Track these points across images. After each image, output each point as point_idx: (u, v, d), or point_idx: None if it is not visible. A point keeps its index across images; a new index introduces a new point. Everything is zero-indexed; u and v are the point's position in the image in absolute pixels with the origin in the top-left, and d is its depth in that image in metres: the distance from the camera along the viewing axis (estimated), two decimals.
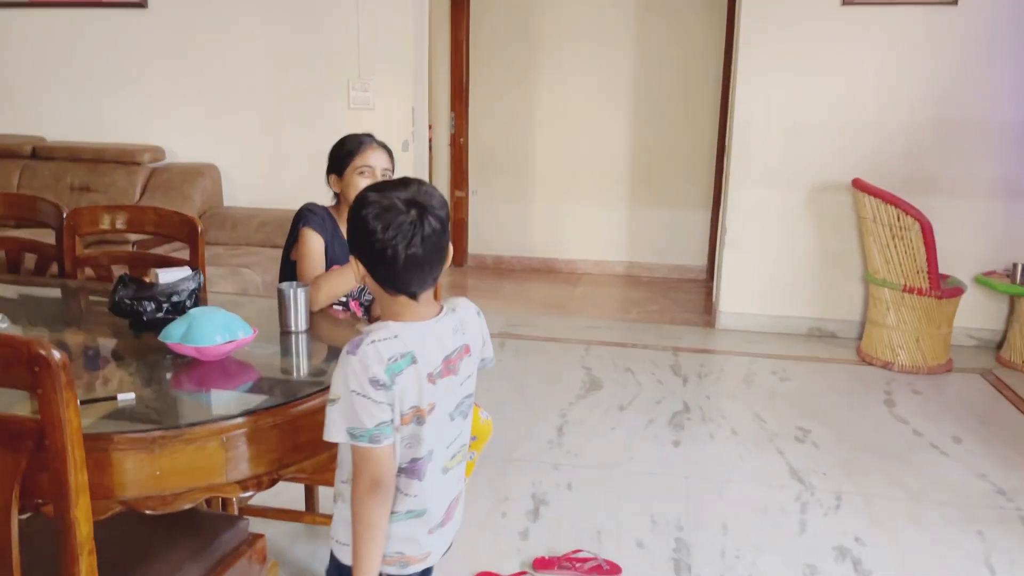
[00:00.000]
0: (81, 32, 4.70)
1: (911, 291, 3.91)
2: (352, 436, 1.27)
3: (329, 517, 2.32)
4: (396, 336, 1.30)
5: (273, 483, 1.45)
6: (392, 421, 1.28)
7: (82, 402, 1.38)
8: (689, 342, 4.42)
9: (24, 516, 1.27)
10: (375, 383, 1.26)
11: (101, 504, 1.29)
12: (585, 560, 2.32)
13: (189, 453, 1.34)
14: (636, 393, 3.65)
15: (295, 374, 1.75)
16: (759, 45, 4.28)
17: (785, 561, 2.39)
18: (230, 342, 1.63)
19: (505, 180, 6.00)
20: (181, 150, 4.72)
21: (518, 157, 5.99)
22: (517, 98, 5.89)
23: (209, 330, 1.61)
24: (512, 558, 2.37)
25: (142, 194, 4.49)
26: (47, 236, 2.48)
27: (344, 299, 2.25)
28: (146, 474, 1.32)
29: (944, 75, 4.14)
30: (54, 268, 2.44)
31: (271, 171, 4.65)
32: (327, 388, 1.52)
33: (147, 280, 1.89)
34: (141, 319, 1.79)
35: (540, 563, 2.33)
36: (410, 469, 1.35)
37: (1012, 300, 4.18)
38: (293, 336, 1.86)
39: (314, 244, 2.18)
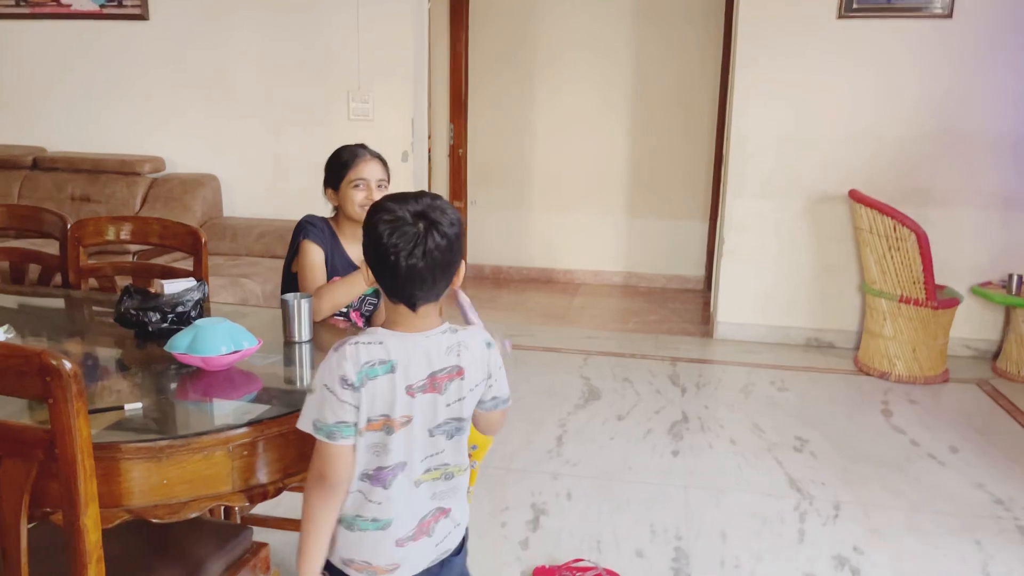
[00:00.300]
0: (82, 43, 4.73)
1: (908, 302, 3.93)
2: (315, 428, 1.32)
3: None
4: (381, 343, 1.33)
5: (279, 492, 1.46)
6: (355, 424, 1.32)
7: (90, 412, 1.40)
8: (687, 352, 4.44)
9: (32, 524, 1.28)
10: (344, 382, 1.30)
11: (109, 512, 1.31)
12: (585, 570, 2.33)
13: (196, 462, 1.36)
14: (635, 403, 3.67)
15: (299, 384, 1.77)
16: (756, 57, 4.32)
17: (784, 570, 2.40)
18: (235, 352, 1.65)
19: (503, 191, 6.03)
20: (181, 161, 4.74)
21: (516, 168, 6.02)
22: (515, 109, 5.93)
23: (214, 340, 1.63)
24: (512, 567, 2.38)
25: (142, 204, 4.52)
26: (49, 246, 2.50)
27: (345, 309, 2.28)
28: (153, 483, 1.33)
29: (940, 87, 4.18)
30: (57, 278, 2.45)
31: (271, 182, 4.68)
32: None
33: (152, 291, 1.91)
34: (146, 329, 1.81)
35: (540, 572, 2.34)
36: (375, 476, 1.36)
37: (1008, 311, 4.21)
38: (297, 346, 1.88)
39: (315, 256, 2.20)
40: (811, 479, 2.98)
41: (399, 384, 1.32)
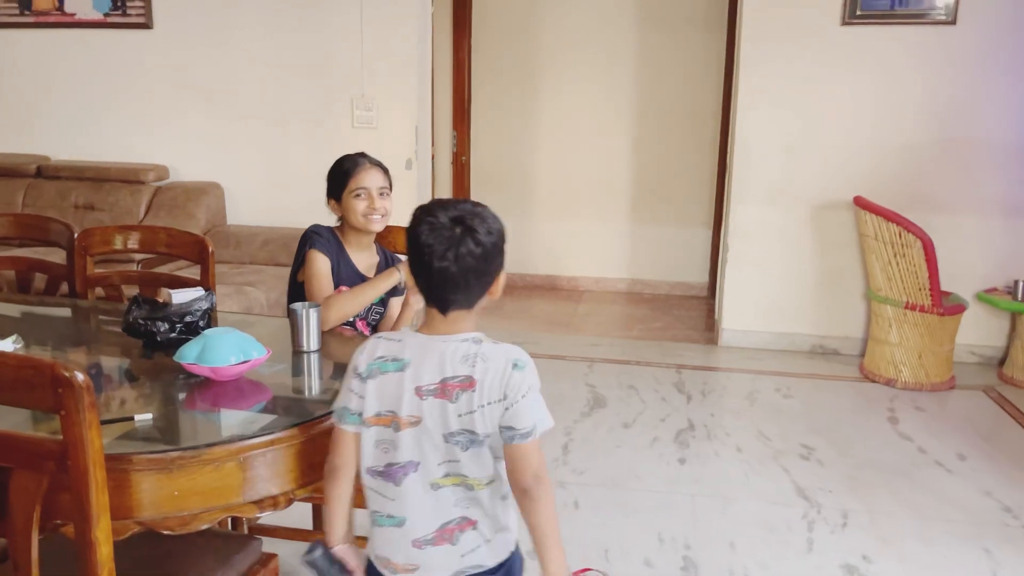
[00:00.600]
0: (86, 52, 4.74)
1: (913, 308, 3.93)
2: (334, 408, 1.42)
3: None
4: (400, 340, 1.39)
5: (289, 503, 1.46)
6: (359, 413, 1.38)
7: (100, 423, 1.40)
8: (692, 359, 4.43)
9: (42, 535, 1.27)
10: (355, 371, 1.39)
11: (119, 524, 1.30)
12: None
13: (207, 473, 1.35)
14: (640, 411, 3.66)
15: (308, 393, 1.76)
16: (759, 63, 4.32)
17: None
18: (244, 362, 1.65)
19: (507, 197, 6.02)
20: (185, 169, 4.74)
21: (520, 175, 6.02)
22: (519, 116, 5.93)
23: (223, 351, 1.62)
24: None
25: (146, 213, 4.52)
26: (54, 255, 2.50)
27: (351, 318, 2.27)
28: (164, 494, 1.33)
29: (944, 93, 4.18)
30: (64, 287, 2.45)
31: (275, 189, 4.68)
32: None
33: (159, 300, 1.91)
34: (155, 339, 1.81)
35: None
36: (386, 473, 1.38)
37: (1013, 317, 4.20)
38: (305, 356, 1.87)
39: (321, 265, 2.20)
40: (818, 487, 2.97)
41: (408, 383, 1.35)
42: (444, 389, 1.35)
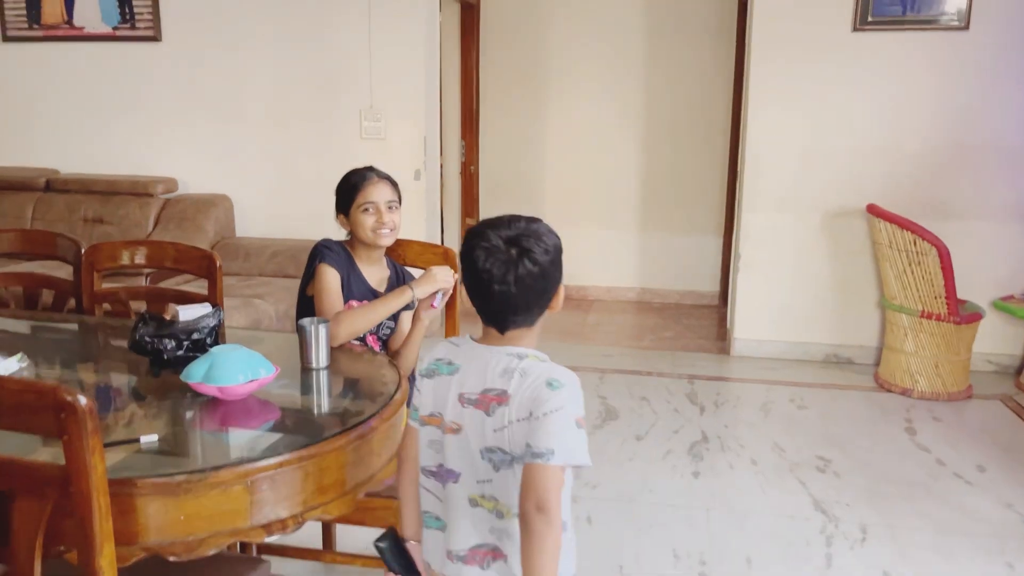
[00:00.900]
0: (95, 65, 4.74)
1: (929, 317, 3.87)
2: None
3: (347, 555, 2.30)
4: (458, 345, 1.41)
5: (298, 526, 1.43)
6: (418, 409, 1.41)
7: (105, 445, 1.37)
8: (704, 369, 4.38)
9: (45, 561, 1.24)
10: (420, 370, 1.44)
11: (125, 551, 1.27)
12: None
13: (213, 497, 1.32)
14: (653, 422, 3.61)
15: (318, 412, 1.73)
16: (770, 70, 4.28)
17: None
18: (252, 381, 1.62)
19: (516, 207, 5.90)
20: (194, 181, 4.74)
21: (529, 184, 6.00)
22: (527, 125, 5.91)
23: (231, 369, 1.60)
24: None
25: (155, 225, 4.51)
26: (62, 270, 2.48)
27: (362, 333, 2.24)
28: (170, 519, 1.30)
29: (957, 99, 4.13)
30: (72, 303, 2.43)
31: (283, 201, 4.66)
32: (351, 428, 1.51)
33: (166, 316, 1.88)
34: (162, 357, 1.78)
35: None
36: (439, 473, 1.39)
37: None
38: (314, 373, 1.84)
39: (331, 280, 2.17)
40: (836, 500, 2.92)
41: (454, 388, 1.36)
42: (482, 400, 1.33)
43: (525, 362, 1.33)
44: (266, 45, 4.54)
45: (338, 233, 2.36)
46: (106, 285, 2.39)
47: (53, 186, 4.69)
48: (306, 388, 1.82)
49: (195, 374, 1.61)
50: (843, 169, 4.29)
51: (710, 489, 3.00)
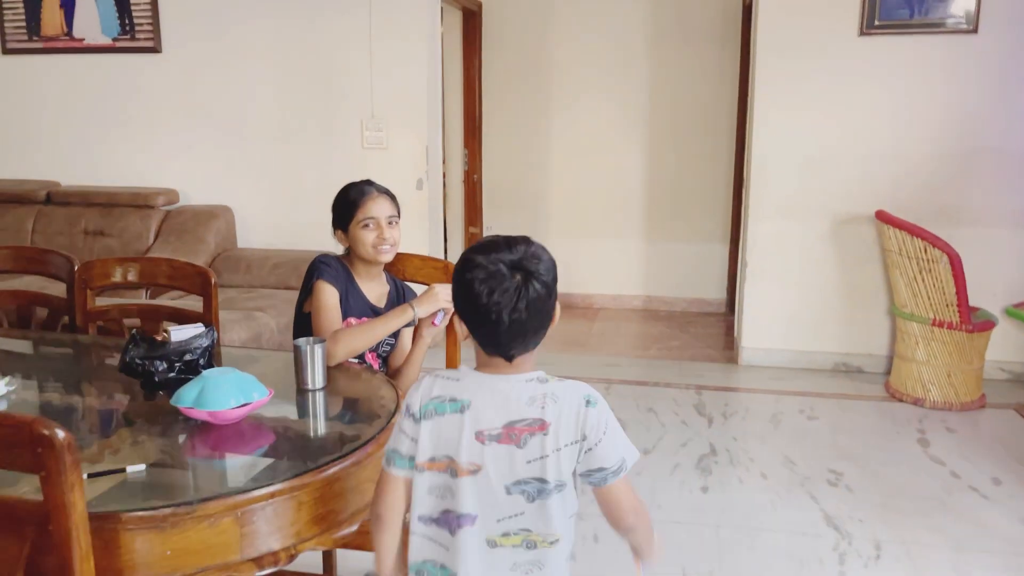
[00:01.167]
0: (95, 77, 4.71)
1: (941, 325, 3.80)
2: (384, 458, 1.34)
3: None
4: (459, 380, 1.30)
5: (291, 559, 1.37)
6: (410, 457, 1.28)
7: (90, 475, 1.32)
8: (712, 379, 4.32)
9: None
10: (407, 411, 1.30)
11: None
12: None
13: (201, 531, 1.27)
14: (660, 435, 3.55)
15: (313, 436, 1.67)
16: (775, 76, 4.23)
17: None
18: (245, 405, 1.56)
19: (519, 215, 5.95)
20: (195, 192, 4.70)
21: (532, 192, 5.94)
22: (531, 133, 5.86)
23: (223, 393, 1.54)
24: None
25: (156, 238, 4.47)
26: (56, 287, 2.44)
27: None
28: (157, 554, 1.24)
29: (966, 103, 4.07)
30: (65, 320, 2.38)
31: (285, 212, 4.62)
32: (348, 454, 1.46)
33: (159, 338, 1.83)
34: (153, 379, 1.73)
35: None
36: (441, 519, 1.30)
37: None
38: (310, 394, 1.79)
39: (329, 297, 2.11)
40: (848, 515, 2.85)
41: (468, 426, 1.26)
42: (510, 434, 1.26)
43: (549, 386, 1.30)
44: (266, 54, 4.50)
45: (338, 247, 2.30)
46: (104, 301, 2.34)
47: (54, 199, 4.66)
48: (302, 410, 1.77)
49: (186, 398, 1.56)
50: (851, 175, 4.22)
51: (719, 505, 2.94)
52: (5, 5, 4.73)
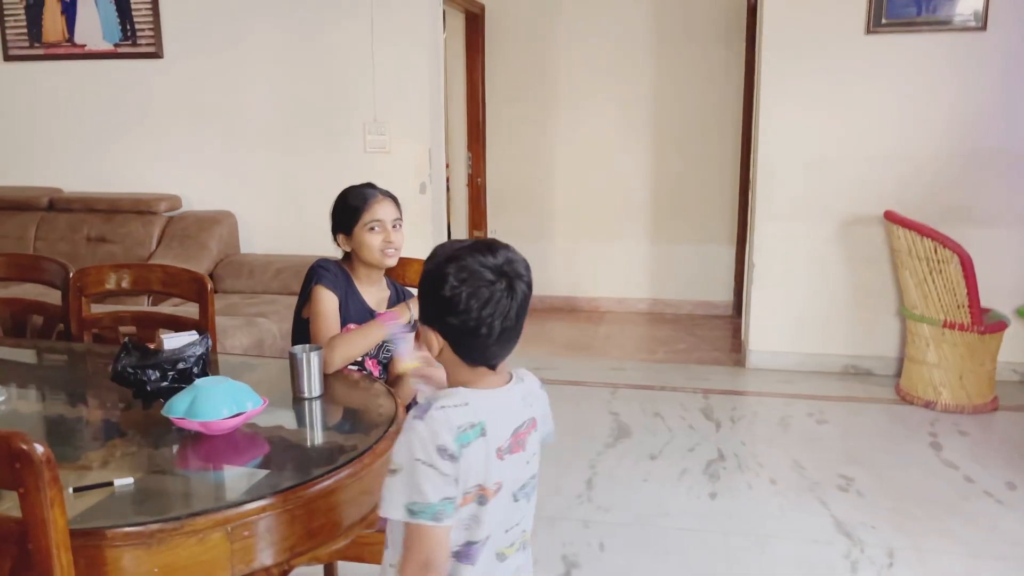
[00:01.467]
0: (97, 83, 4.69)
1: (952, 327, 3.74)
2: (411, 513, 1.15)
3: None
4: (467, 404, 1.20)
5: (284, 575, 1.32)
6: (454, 499, 1.17)
7: (76, 489, 1.28)
8: (719, 383, 4.26)
9: None
10: (443, 452, 1.15)
11: None
12: None
13: (190, 547, 1.22)
14: (667, 440, 3.50)
15: (309, 446, 1.63)
16: (781, 75, 4.17)
17: None
18: (238, 415, 1.52)
19: (524, 218, 5.91)
20: (198, 198, 4.67)
21: (537, 195, 5.90)
22: (535, 136, 5.82)
23: (215, 403, 1.50)
24: None
25: (158, 244, 4.44)
26: (53, 295, 2.40)
27: (360, 358, 2.14)
28: (144, 572, 1.20)
29: (975, 101, 4.01)
30: (61, 328, 2.35)
31: (288, 217, 4.58)
32: (343, 465, 1.41)
33: (152, 346, 1.79)
34: (145, 389, 1.69)
35: None
36: (463, 553, 1.23)
37: None
38: (307, 403, 1.75)
39: (327, 303, 2.07)
40: (860, 522, 2.79)
41: (491, 447, 1.20)
42: (517, 441, 1.25)
43: (527, 383, 1.31)
44: (268, 58, 4.47)
45: (338, 253, 2.26)
46: (103, 309, 2.31)
47: (56, 205, 4.63)
48: (298, 420, 1.72)
49: (177, 408, 1.52)
50: (858, 175, 4.17)
51: (728, 511, 2.88)
52: (6, 12, 4.71)
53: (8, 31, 4.73)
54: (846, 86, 4.11)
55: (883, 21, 4.02)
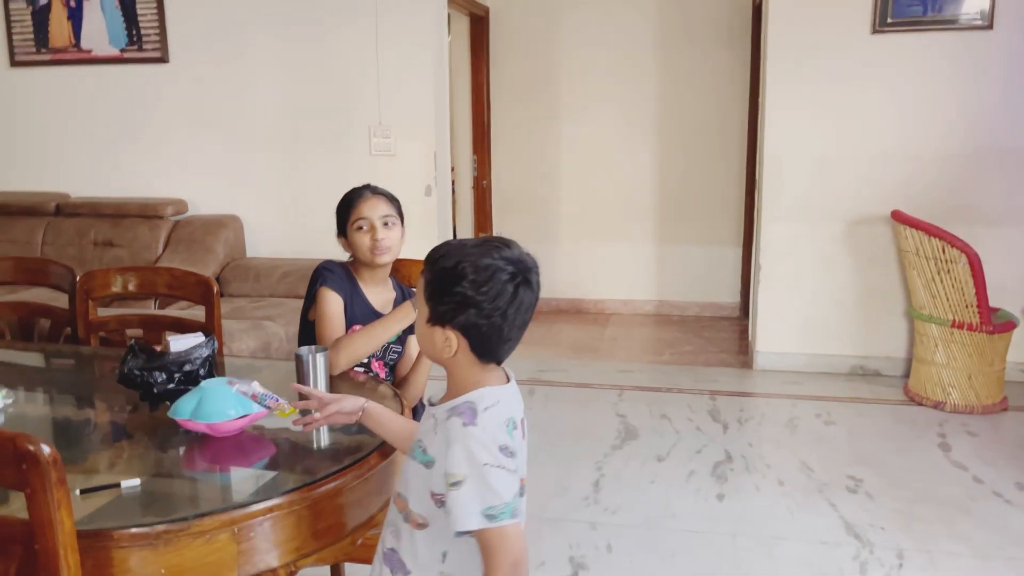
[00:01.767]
0: (103, 88, 4.71)
1: (960, 327, 3.72)
2: (490, 518, 1.13)
3: None
4: (499, 401, 1.22)
5: None
6: (518, 492, 1.19)
7: (83, 491, 1.28)
8: (726, 385, 4.25)
9: None
10: (505, 450, 1.17)
11: None
12: None
13: (197, 548, 1.22)
14: (674, 442, 3.49)
15: (314, 448, 1.63)
16: (787, 76, 4.16)
17: None
18: (244, 416, 1.52)
19: (530, 221, 5.90)
20: (204, 202, 4.68)
21: (542, 197, 5.90)
22: (540, 138, 5.81)
23: (221, 404, 1.50)
24: None
25: (165, 248, 4.45)
26: (60, 299, 2.41)
27: (366, 360, 2.14)
28: (150, 573, 1.20)
29: (982, 100, 3.99)
30: (68, 331, 2.36)
31: (293, 220, 4.59)
32: (349, 467, 1.41)
33: (159, 349, 1.79)
34: (152, 391, 1.69)
35: None
36: None
37: None
38: None
39: (332, 305, 2.07)
40: (869, 523, 2.77)
41: (524, 441, 1.25)
42: (524, 431, 1.28)
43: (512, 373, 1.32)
44: (273, 62, 4.49)
45: (345, 255, 2.26)
46: (109, 312, 2.31)
47: (63, 210, 4.66)
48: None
49: (183, 410, 1.52)
50: (865, 175, 4.15)
51: (736, 513, 2.87)
52: (13, 18, 4.73)
53: (15, 36, 4.76)
54: (852, 86, 4.10)
55: (889, 21, 4.00)
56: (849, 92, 4.11)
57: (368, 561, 1.77)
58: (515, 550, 1.15)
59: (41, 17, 4.70)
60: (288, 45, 4.45)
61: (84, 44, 4.71)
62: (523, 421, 1.27)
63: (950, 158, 4.06)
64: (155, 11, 4.55)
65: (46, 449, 1.02)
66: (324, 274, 2.13)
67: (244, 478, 1.46)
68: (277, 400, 1.53)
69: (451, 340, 1.21)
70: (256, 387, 1.52)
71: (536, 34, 5.70)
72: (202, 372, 1.73)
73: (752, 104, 5.18)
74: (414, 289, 2.34)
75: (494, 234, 5.90)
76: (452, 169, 5.47)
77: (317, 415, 1.46)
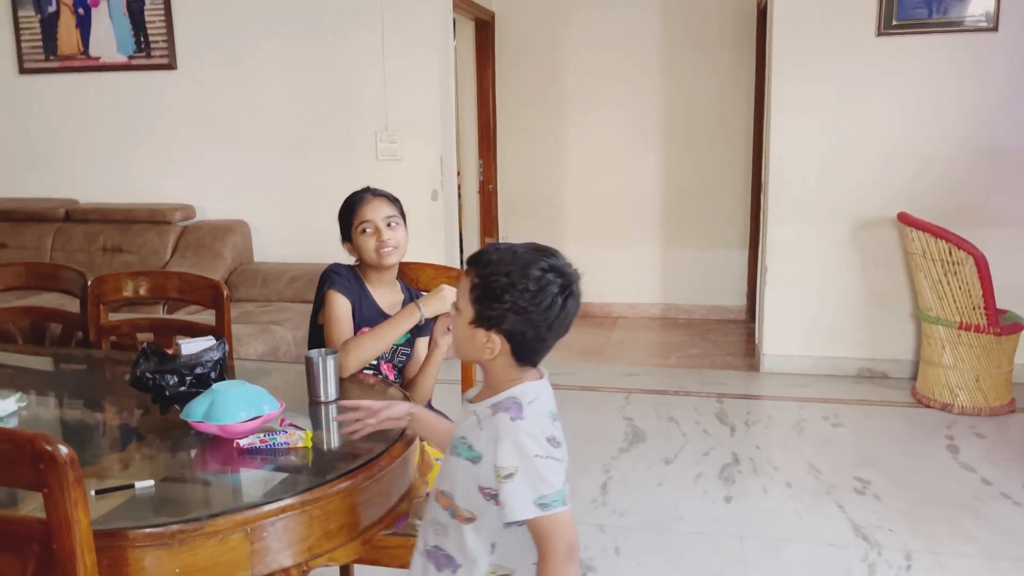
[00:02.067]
0: (111, 95, 4.74)
1: (968, 328, 3.72)
2: (543, 507, 1.18)
3: None
4: (538, 396, 1.27)
5: None
6: (566, 481, 1.24)
7: (98, 492, 1.30)
8: (733, 387, 4.25)
9: None
10: (552, 441, 1.23)
11: None
12: None
13: (211, 547, 1.23)
14: (682, 444, 3.49)
15: (325, 449, 1.64)
16: (792, 78, 4.17)
17: None
18: (255, 418, 1.54)
19: (535, 224, 5.91)
20: (212, 207, 4.71)
21: (548, 201, 5.91)
22: (545, 142, 5.83)
23: (233, 406, 1.52)
24: None
25: (173, 253, 4.48)
26: (70, 301, 2.43)
27: (375, 362, 2.15)
28: (165, 572, 1.21)
29: (988, 102, 3.99)
30: (79, 336, 2.37)
31: (301, 225, 4.62)
32: (360, 468, 1.42)
33: (170, 351, 1.81)
34: (164, 393, 1.70)
35: None
36: None
37: None
38: (323, 407, 1.76)
39: (341, 307, 2.08)
40: (877, 525, 2.77)
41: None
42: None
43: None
44: (280, 70, 4.52)
45: (351, 258, 2.28)
46: (120, 317, 2.33)
47: (72, 216, 4.69)
48: (314, 424, 1.73)
49: (195, 412, 1.53)
50: (871, 177, 4.16)
51: (743, 515, 2.87)
52: (22, 25, 4.77)
53: (23, 44, 4.80)
54: (857, 88, 4.10)
55: (894, 23, 4.01)
56: (854, 94, 4.11)
57: (379, 562, 1.80)
58: (568, 535, 1.20)
59: (50, 25, 4.74)
60: (295, 51, 4.48)
61: (92, 51, 4.74)
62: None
63: (956, 159, 4.06)
64: (163, 18, 4.58)
65: (64, 449, 1.04)
66: (332, 277, 2.14)
67: (256, 479, 1.47)
68: (293, 431, 1.54)
69: (494, 343, 1.25)
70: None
71: (541, 38, 5.72)
72: (213, 375, 1.75)
73: (757, 106, 5.19)
74: (423, 293, 2.36)
75: (501, 240, 5.92)
76: (458, 173, 5.49)
77: (371, 421, 1.49)
